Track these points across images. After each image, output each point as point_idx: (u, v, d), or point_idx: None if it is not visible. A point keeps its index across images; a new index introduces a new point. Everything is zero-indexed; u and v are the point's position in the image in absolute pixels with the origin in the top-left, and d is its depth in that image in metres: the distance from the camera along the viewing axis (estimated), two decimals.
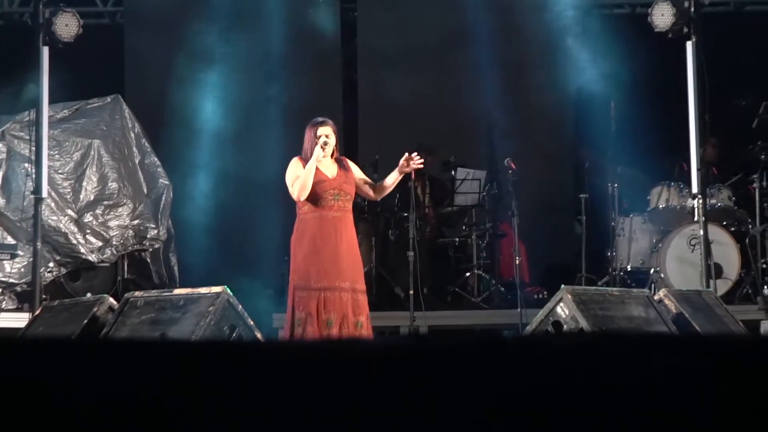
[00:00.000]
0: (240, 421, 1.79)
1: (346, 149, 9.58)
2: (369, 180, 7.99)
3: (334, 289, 7.47)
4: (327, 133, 7.69)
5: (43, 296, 9.89)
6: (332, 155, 7.77)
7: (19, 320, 9.87)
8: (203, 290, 7.55)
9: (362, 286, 7.68)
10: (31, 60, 10.06)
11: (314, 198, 7.60)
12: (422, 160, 7.81)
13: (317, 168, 7.62)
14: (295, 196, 7.62)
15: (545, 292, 11.25)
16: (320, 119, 7.85)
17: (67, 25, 10.09)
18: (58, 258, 10.96)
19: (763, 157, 11.14)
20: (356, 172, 7.90)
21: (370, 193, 7.95)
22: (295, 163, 7.72)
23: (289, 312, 7.58)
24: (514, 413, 1.80)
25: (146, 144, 11.67)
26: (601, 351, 1.92)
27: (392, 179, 7.80)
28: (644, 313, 7.80)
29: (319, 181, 7.59)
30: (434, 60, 13.13)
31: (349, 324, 7.46)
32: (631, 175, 11.80)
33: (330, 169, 7.72)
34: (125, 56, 13.17)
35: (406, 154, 7.65)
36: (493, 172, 11.92)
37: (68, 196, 11.01)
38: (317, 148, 7.57)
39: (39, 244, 9.91)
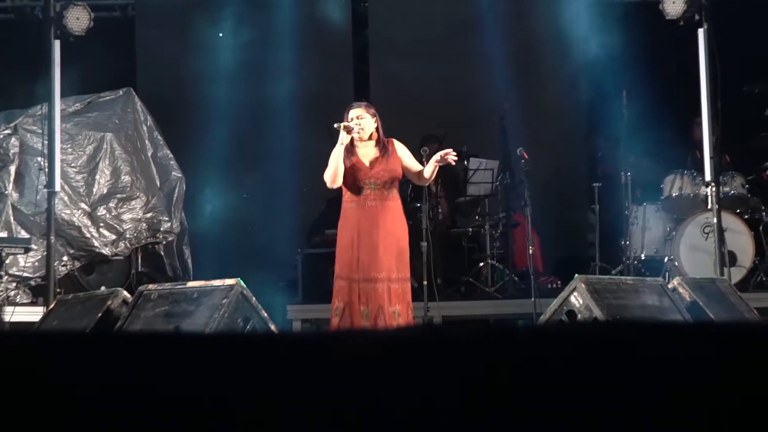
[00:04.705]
0: (253, 414, 1.79)
1: None
2: (415, 165, 7.62)
3: (369, 280, 7.33)
4: (357, 114, 7.45)
5: (57, 290, 9.92)
6: (371, 137, 7.50)
7: (33, 314, 9.90)
8: (217, 283, 7.54)
9: (402, 274, 7.44)
10: (43, 54, 10.08)
11: (352, 187, 7.40)
12: (456, 157, 7.62)
13: (356, 155, 7.41)
14: (328, 184, 7.41)
15: (559, 282, 11.25)
16: (354, 102, 7.75)
17: (78, 19, 10.11)
18: (71, 252, 10.99)
19: None
20: (404, 156, 7.56)
21: (415, 179, 7.71)
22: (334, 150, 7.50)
23: (333, 302, 7.50)
24: (528, 403, 1.80)
25: (158, 137, 11.69)
26: (615, 340, 1.91)
27: (429, 171, 7.51)
28: (658, 302, 7.79)
29: (355, 170, 7.38)
30: (446, 50, 13.09)
31: (386, 314, 7.30)
32: (644, 164, 11.77)
33: (369, 155, 7.47)
34: (137, 49, 13.15)
35: (444, 151, 7.41)
36: (506, 161, 11.88)
37: (81, 190, 11.03)
38: (341, 132, 7.34)
39: (53, 237, 9.94)
